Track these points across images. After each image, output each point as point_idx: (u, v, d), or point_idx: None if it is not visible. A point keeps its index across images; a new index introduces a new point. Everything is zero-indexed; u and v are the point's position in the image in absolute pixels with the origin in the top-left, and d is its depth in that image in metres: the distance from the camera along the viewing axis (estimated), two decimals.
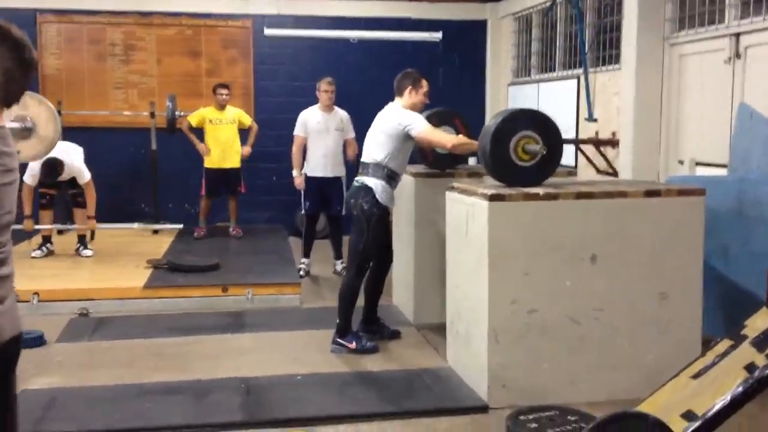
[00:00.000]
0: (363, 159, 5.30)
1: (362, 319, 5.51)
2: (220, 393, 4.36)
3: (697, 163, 6.05)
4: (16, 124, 3.57)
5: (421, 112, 5.29)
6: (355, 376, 4.73)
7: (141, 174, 9.54)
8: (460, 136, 5.27)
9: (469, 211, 4.48)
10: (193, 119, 8.69)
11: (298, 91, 9.85)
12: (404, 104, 5.24)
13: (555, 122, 4.59)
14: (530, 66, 9.35)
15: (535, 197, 4.28)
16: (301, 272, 7.53)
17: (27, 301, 6.11)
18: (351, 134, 7.62)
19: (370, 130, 5.35)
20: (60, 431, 3.86)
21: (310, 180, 7.50)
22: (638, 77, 6.58)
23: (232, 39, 9.94)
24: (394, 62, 10.23)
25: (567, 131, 7.80)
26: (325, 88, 7.50)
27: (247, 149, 8.79)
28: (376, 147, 5.15)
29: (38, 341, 5.32)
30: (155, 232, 9.09)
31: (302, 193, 7.58)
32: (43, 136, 3.47)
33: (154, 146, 9.25)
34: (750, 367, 3.22)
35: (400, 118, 5.08)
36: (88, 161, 7.84)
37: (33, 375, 4.63)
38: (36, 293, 6.17)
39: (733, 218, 5.01)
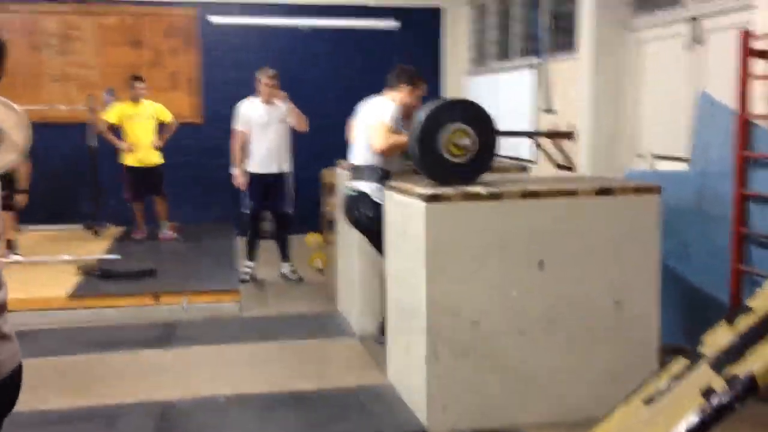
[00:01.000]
0: (354, 161, 4.96)
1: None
2: (130, 420, 3.94)
3: (657, 157, 5.70)
4: None
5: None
6: (284, 397, 4.30)
7: (81, 172, 9.03)
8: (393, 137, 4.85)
9: (405, 213, 4.08)
10: (111, 116, 8.19)
11: (247, 81, 9.37)
12: (398, 101, 4.89)
13: (489, 113, 4.18)
14: (488, 55, 8.95)
15: (477, 197, 3.88)
16: (246, 276, 7.09)
17: None
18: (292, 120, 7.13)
19: (356, 126, 5.04)
20: None
21: (253, 177, 7.05)
22: (595, 65, 6.21)
23: (176, 27, 9.44)
24: (348, 51, 9.87)
25: (525, 124, 7.43)
26: (266, 81, 7.04)
27: (157, 141, 8.28)
28: (369, 149, 4.77)
29: None
30: (95, 233, 8.62)
31: (245, 192, 7.13)
32: (14, 142, 3.01)
33: (94, 142, 8.74)
34: (708, 393, 2.85)
35: (383, 116, 4.75)
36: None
37: None
38: None
39: (693, 215, 4.67)
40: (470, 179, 4.10)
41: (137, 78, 8.26)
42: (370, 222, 4.77)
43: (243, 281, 7.01)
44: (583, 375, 4.02)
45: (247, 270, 7.17)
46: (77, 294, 5.96)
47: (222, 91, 9.34)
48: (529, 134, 6.85)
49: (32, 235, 8.62)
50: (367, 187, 4.81)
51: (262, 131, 7.00)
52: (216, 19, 9.38)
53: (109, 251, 7.58)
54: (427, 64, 9.87)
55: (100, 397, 4.25)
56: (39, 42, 9.14)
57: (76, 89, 9.17)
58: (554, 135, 6.58)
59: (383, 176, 4.75)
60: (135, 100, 8.21)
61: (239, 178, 7.05)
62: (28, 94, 9.05)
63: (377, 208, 4.69)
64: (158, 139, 8.28)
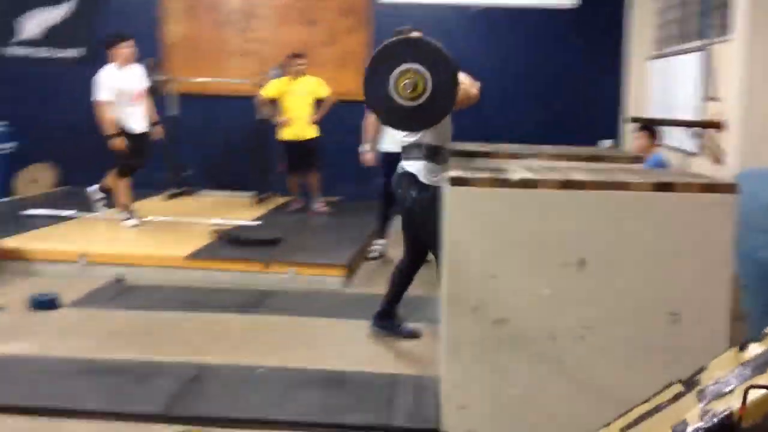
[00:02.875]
0: (403, 141, 4.71)
1: (378, 311, 5.00)
2: (161, 378, 4.05)
3: None
4: None
5: None
6: (323, 375, 4.22)
7: (255, 143, 9.46)
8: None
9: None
10: (270, 91, 8.43)
11: None
12: None
13: (446, 53, 3.88)
14: (668, 37, 8.17)
15: (508, 183, 3.53)
16: (375, 253, 7.07)
17: (74, 262, 6.17)
18: None
19: None
20: None
21: (385, 155, 6.98)
22: (751, 48, 5.45)
23: (349, 7, 9.56)
24: (522, 32, 9.48)
25: (690, 112, 6.70)
26: None
27: (314, 117, 8.38)
28: None
29: (50, 304, 5.31)
30: (259, 201, 9.01)
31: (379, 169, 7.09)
32: None
33: (261, 116, 9.11)
34: (677, 427, 2.40)
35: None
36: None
37: (7, 339, 4.58)
38: (84, 255, 6.19)
39: None
40: (428, 123, 4.02)
41: (297, 55, 8.47)
42: (413, 203, 4.50)
43: (372, 258, 7.00)
44: (620, 393, 3.55)
45: (378, 247, 7.14)
46: (194, 256, 6.25)
47: None
48: (671, 123, 6.16)
49: (203, 199, 9.22)
50: (414, 166, 4.53)
51: None
52: None
53: (256, 219, 7.88)
54: (608, 47, 9.26)
55: (156, 353, 4.42)
56: (222, 18, 9.66)
57: (253, 64, 9.60)
58: (698, 124, 5.87)
59: (432, 153, 4.47)
60: (294, 75, 8.43)
61: (367, 155, 7.01)
62: (211, 67, 9.64)
63: (422, 188, 4.44)
64: (316, 115, 8.45)
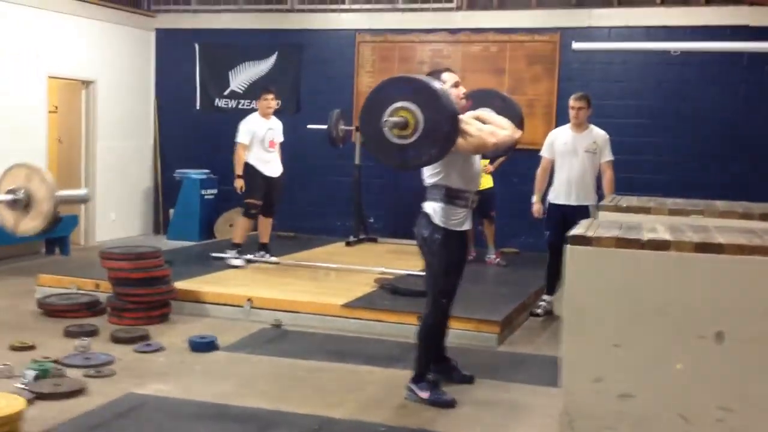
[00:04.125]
0: (424, 182, 4.61)
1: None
2: (282, 429, 4.04)
3: None
4: (8, 197, 3.77)
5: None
6: None
7: None
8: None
9: None
10: None
11: (607, 110, 8.95)
12: None
13: (437, 90, 3.93)
14: None
15: (636, 245, 3.21)
16: (540, 310, 6.77)
17: (240, 306, 6.40)
18: (607, 157, 6.65)
19: None
20: None
21: (552, 207, 6.70)
22: None
23: (537, 55, 9.39)
24: (723, 77, 8.82)
25: None
26: (572, 104, 6.66)
27: (490, 167, 8.18)
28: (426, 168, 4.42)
29: (207, 347, 5.51)
30: None
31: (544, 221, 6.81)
32: (40, 211, 3.65)
33: None
34: None
35: None
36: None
37: (155, 380, 4.79)
38: (250, 299, 6.42)
39: None
40: (418, 161, 4.08)
41: None
42: (423, 242, 4.47)
43: (535, 315, 6.72)
44: None
45: (543, 303, 6.84)
46: (351, 304, 6.27)
47: None
48: None
49: (381, 247, 9.31)
50: (430, 207, 4.43)
51: (564, 160, 6.64)
52: (578, 46, 9.07)
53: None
54: None
55: (282, 402, 4.43)
56: (413, 69, 9.78)
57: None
58: None
59: (452, 195, 4.37)
60: None
61: (535, 206, 6.77)
62: None
63: (435, 229, 4.38)
64: (491, 165, 8.30)
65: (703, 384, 3.14)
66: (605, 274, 3.23)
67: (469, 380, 4.90)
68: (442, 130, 4.00)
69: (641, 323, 3.19)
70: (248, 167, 7.76)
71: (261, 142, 7.77)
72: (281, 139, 8.07)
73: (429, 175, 4.46)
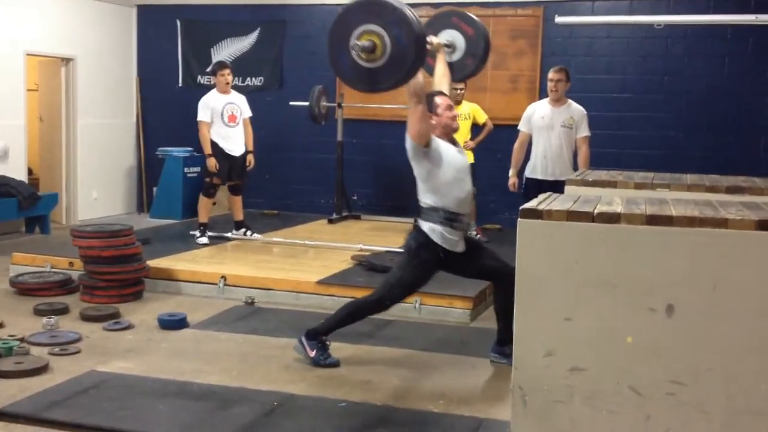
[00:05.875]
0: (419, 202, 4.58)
1: (495, 340, 4.82)
2: (241, 406, 4.01)
3: None
4: None
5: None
6: (407, 415, 4.00)
7: None
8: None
9: None
10: None
11: (590, 85, 8.88)
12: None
13: (409, 15, 3.88)
14: None
15: (586, 218, 3.16)
16: None
17: (215, 284, 6.37)
18: (583, 133, 6.58)
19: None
20: (60, 419, 3.83)
21: (529, 182, 6.66)
22: None
23: (521, 29, 9.28)
24: (707, 50, 8.74)
25: None
26: (550, 77, 6.59)
27: (471, 143, 8.11)
28: (418, 188, 4.49)
29: (177, 324, 5.48)
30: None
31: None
32: None
33: None
34: None
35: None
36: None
37: (120, 358, 4.76)
38: (223, 277, 6.38)
39: None
40: (384, 85, 4.01)
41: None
42: (407, 250, 4.49)
43: None
44: None
45: None
46: (326, 281, 6.24)
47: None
48: None
49: (364, 224, 9.27)
50: (428, 227, 4.42)
51: (541, 134, 6.59)
52: (561, 20, 8.96)
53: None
54: None
55: (245, 380, 4.40)
56: None
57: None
58: None
59: (450, 218, 4.37)
60: (455, 101, 8.24)
61: (510, 179, 6.73)
62: (382, 94, 9.68)
63: (426, 246, 4.38)
64: (473, 141, 8.24)
65: (654, 357, 3.09)
66: (556, 247, 3.18)
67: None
68: (409, 51, 3.92)
69: (592, 297, 3.15)
70: (210, 144, 7.71)
71: (220, 116, 7.73)
72: (248, 114, 8.00)
73: (424, 195, 4.46)
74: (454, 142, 4.59)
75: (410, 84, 4.07)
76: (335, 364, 4.64)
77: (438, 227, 4.38)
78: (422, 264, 4.46)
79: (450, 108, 4.49)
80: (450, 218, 4.38)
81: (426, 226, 4.43)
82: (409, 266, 4.49)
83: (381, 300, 4.60)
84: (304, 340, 4.67)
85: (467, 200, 4.53)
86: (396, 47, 3.90)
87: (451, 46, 5.09)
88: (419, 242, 4.44)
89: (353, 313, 4.67)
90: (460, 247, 4.49)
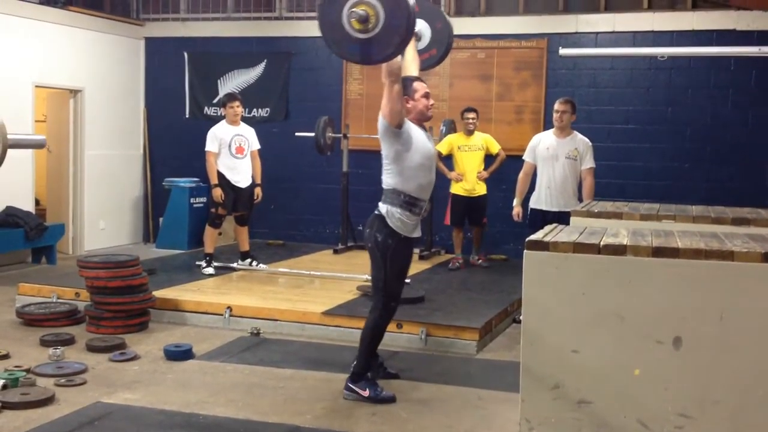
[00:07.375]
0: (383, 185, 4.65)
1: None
2: None
3: None
4: None
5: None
6: None
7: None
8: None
9: None
10: (442, 147, 8.36)
11: (594, 116, 8.94)
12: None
13: None
14: None
15: (592, 249, 3.17)
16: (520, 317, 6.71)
17: (220, 315, 6.37)
18: (588, 165, 6.61)
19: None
20: None
21: (533, 213, 6.68)
22: None
23: (525, 61, 9.35)
24: (712, 82, 8.79)
25: None
26: (556, 108, 6.66)
27: (484, 174, 8.20)
28: (383, 169, 4.46)
29: (184, 355, 5.47)
30: (423, 258, 8.92)
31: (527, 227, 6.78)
32: None
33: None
34: None
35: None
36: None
37: (126, 389, 4.75)
38: (229, 307, 6.38)
39: None
40: (380, 56, 4.03)
41: (469, 110, 8.43)
42: (376, 246, 4.48)
43: (518, 322, 6.67)
44: None
45: None
46: (331, 312, 6.24)
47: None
48: None
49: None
50: (386, 210, 4.45)
51: (545, 165, 6.61)
52: (565, 52, 9.04)
53: (410, 276, 7.75)
54: None
55: (250, 412, 4.39)
56: None
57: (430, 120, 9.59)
58: None
59: (410, 203, 4.41)
60: (468, 132, 8.39)
61: (515, 209, 6.77)
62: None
63: (389, 234, 4.41)
64: (485, 171, 8.35)
65: (662, 390, 3.09)
66: (562, 279, 3.19)
67: (393, 377, 4.96)
68: (400, 27, 3.98)
69: (599, 329, 3.16)
70: (217, 175, 7.75)
71: (228, 148, 7.76)
72: (257, 146, 8.04)
73: (388, 176, 4.50)
74: (425, 130, 4.64)
75: (388, 62, 4.15)
76: (392, 398, 4.59)
77: (396, 211, 4.43)
78: (395, 251, 4.50)
79: (427, 96, 4.59)
80: (410, 202, 4.45)
81: (384, 208, 4.49)
82: (386, 260, 4.51)
83: (385, 305, 4.61)
84: (351, 385, 4.63)
85: (429, 188, 4.60)
86: (388, 20, 3.97)
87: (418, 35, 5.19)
88: (383, 233, 4.48)
89: (372, 336, 4.66)
90: (417, 233, 4.59)
